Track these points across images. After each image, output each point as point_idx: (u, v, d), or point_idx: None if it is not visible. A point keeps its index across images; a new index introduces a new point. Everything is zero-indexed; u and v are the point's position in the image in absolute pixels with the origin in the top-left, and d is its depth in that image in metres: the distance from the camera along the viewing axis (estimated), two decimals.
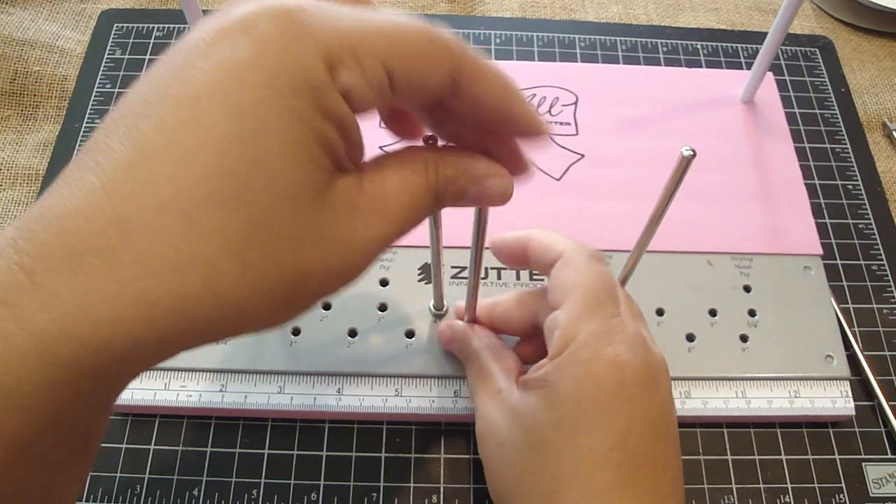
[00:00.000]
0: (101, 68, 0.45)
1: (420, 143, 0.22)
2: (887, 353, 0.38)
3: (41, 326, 0.14)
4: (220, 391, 0.34)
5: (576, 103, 0.44)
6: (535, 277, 0.38)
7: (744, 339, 0.36)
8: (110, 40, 0.47)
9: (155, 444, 0.34)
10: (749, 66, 0.47)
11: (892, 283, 0.40)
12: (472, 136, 0.22)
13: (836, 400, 0.35)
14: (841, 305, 0.39)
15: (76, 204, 0.15)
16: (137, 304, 0.15)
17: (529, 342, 0.32)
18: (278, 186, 0.17)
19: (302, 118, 0.17)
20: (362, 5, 0.19)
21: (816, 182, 0.43)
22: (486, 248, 0.30)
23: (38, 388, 0.15)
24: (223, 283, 0.16)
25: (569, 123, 0.43)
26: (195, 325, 0.16)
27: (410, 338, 0.35)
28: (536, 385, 0.27)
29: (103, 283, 0.15)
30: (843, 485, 0.34)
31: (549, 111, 0.43)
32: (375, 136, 0.34)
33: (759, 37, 0.45)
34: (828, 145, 0.45)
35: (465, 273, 0.37)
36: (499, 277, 0.37)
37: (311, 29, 0.17)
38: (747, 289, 0.38)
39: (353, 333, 0.35)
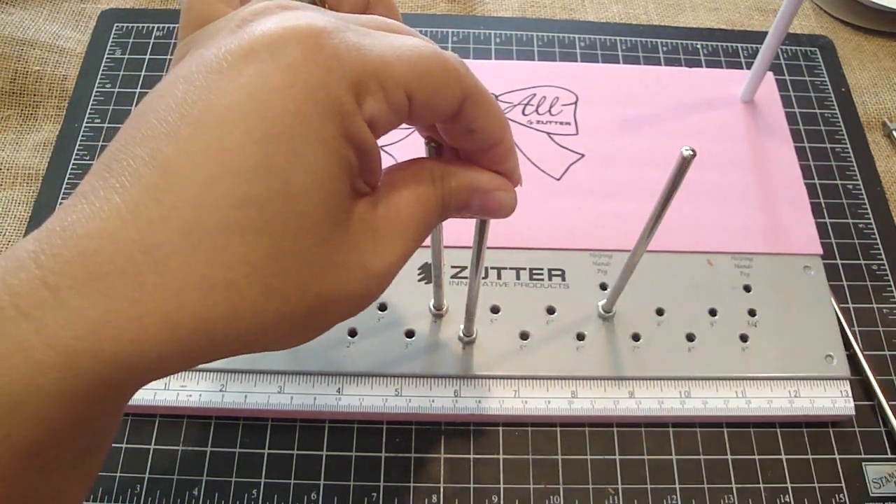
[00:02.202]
0: (101, 68, 0.45)
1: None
2: (887, 352, 0.38)
3: (65, 342, 0.15)
4: (220, 391, 0.34)
5: (576, 103, 0.44)
6: (534, 277, 0.38)
7: (744, 338, 0.36)
8: (110, 40, 0.47)
9: (155, 444, 0.34)
10: (749, 66, 0.47)
11: (892, 283, 0.40)
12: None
13: (836, 400, 0.35)
14: (841, 305, 0.39)
15: (100, 225, 0.16)
16: (163, 324, 0.16)
17: None
18: (304, 215, 0.17)
19: (329, 146, 0.17)
20: (387, 27, 0.19)
21: (816, 182, 0.43)
22: (488, 248, 0.30)
23: (57, 399, 0.15)
24: (247, 307, 0.17)
25: (569, 123, 0.43)
26: (217, 343, 0.17)
27: (410, 338, 0.35)
28: None
29: (129, 304, 0.15)
30: (843, 485, 0.34)
31: (549, 111, 0.43)
32: None
33: (759, 36, 0.45)
34: (828, 145, 0.45)
35: (465, 273, 0.37)
36: (499, 277, 0.37)
37: (339, 57, 0.17)
38: (747, 288, 0.38)
39: (352, 333, 0.35)
